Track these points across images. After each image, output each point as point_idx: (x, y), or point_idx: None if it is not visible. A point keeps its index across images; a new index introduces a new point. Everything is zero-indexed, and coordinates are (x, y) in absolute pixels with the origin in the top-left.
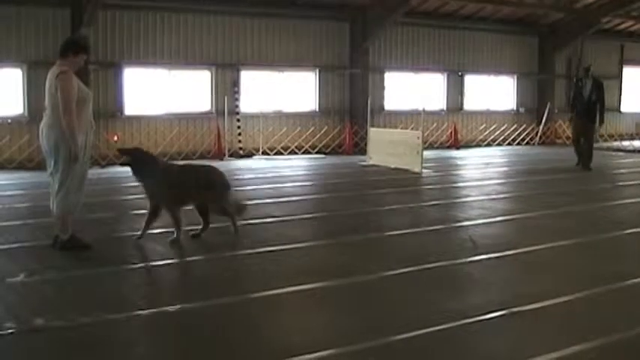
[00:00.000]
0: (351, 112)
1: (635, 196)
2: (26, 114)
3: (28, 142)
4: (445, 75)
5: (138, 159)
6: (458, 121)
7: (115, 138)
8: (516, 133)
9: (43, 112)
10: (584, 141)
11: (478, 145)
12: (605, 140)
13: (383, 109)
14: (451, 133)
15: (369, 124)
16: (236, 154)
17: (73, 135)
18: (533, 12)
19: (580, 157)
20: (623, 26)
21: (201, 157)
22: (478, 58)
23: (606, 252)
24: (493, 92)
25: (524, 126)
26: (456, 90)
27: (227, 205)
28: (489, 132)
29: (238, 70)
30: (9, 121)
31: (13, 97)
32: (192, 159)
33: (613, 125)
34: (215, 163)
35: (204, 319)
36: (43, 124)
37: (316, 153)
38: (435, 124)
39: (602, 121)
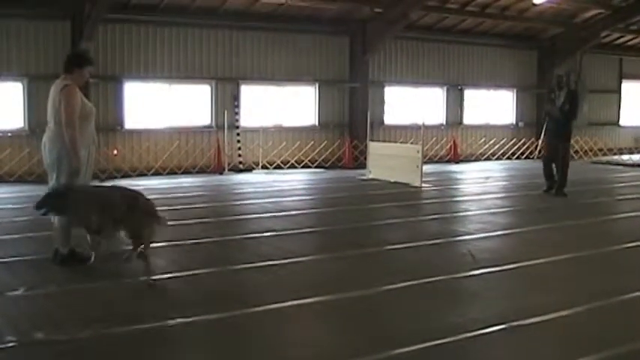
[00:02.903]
0: (350, 126)
1: (634, 210)
2: (27, 127)
3: (29, 155)
4: (445, 89)
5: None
6: (457, 135)
7: (115, 152)
8: (516, 147)
9: (45, 126)
10: (558, 161)
11: (477, 159)
12: (605, 154)
13: (382, 123)
14: (451, 147)
15: (368, 138)
16: (236, 168)
17: (76, 149)
18: (532, 26)
19: (549, 180)
20: (621, 40)
21: (201, 171)
22: (477, 72)
23: (606, 266)
24: (492, 106)
25: (523, 140)
26: (455, 104)
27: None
28: (489, 146)
29: (238, 85)
30: (9, 134)
31: (13, 111)
32: (192, 173)
33: (612, 139)
34: (215, 177)
35: (205, 333)
36: (46, 138)
37: (316, 167)
38: (434, 138)
39: (570, 134)
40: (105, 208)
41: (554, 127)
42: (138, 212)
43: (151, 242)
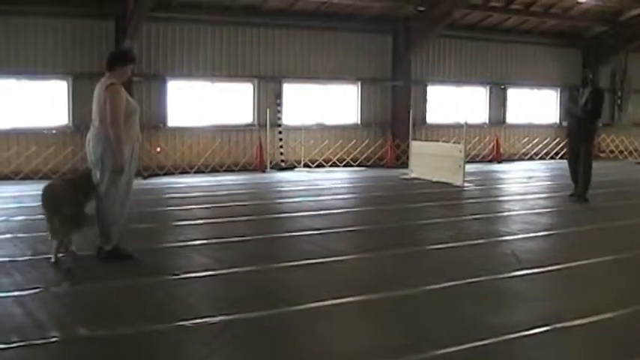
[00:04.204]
0: (392, 124)
1: None
2: (71, 125)
3: (73, 152)
4: (487, 88)
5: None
6: (500, 134)
7: (158, 149)
8: (559, 146)
9: (90, 124)
10: (581, 162)
11: (520, 159)
12: None
13: (425, 122)
14: (493, 146)
15: (410, 136)
16: (278, 167)
17: (120, 146)
18: (576, 25)
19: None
20: None
21: (243, 169)
22: (521, 71)
23: None
24: (536, 105)
25: (567, 140)
26: (498, 103)
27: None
28: (532, 145)
29: (281, 83)
30: (54, 131)
31: (58, 109)
32: (234, 171)
33: None
34: (257, 175)
35: (247, 330)
36: (91, 135)
37: (358, 166)
38: (477, 138)
39: (593, 134)
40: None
41: (576, 126)
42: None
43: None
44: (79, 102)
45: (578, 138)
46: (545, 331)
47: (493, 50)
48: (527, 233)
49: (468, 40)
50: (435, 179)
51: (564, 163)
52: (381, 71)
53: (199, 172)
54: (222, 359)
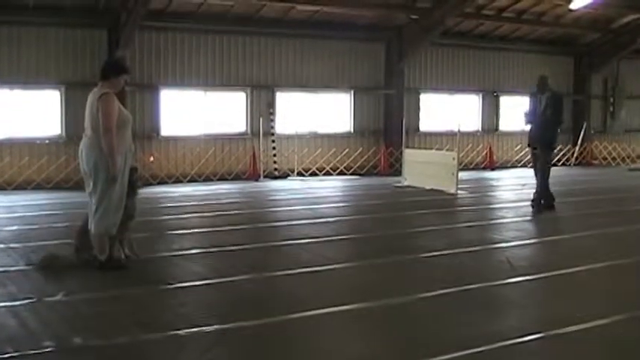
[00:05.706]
0: (386, 133)
1: None
2: (64, 135)
3: (66, 162)
4: (480, 95)
5: None
6: (493, 141)
7: (151, 159)
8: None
9: (82, 133)
10: (538, 169)
11: (514, 166)
12: (633, 161)
13: (418, 129)
14: (486, 153)
15: (404, 145)
16: (271, 175)
17: (113, 156)
18: (568, 32)
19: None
20: None
21: (237, 177)
22: (513, 78)
23: None
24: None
25: (560, 147)
26: (491, 110)
27: None
28: (525, 153)
29: (273, 92)
30: (47, 141)
31: (50, 118)
32: (227, 180)
33: None
34: (251, 184)
35: (242, 340)
36: (83, 145)
37: (351, 174)
38: (470, 145)
39: (552, 141)
40: None
41: (536, 132)
42: None
43: None
44: (71, 112)
45: (537, 144)
46: (539, 337)
47: (486, 58)
48: (520, 240)
49: (461, 47)
50: (428, 187)
51: (557, 170)
52: (374, 79)
53: (193, 181)
54: None
